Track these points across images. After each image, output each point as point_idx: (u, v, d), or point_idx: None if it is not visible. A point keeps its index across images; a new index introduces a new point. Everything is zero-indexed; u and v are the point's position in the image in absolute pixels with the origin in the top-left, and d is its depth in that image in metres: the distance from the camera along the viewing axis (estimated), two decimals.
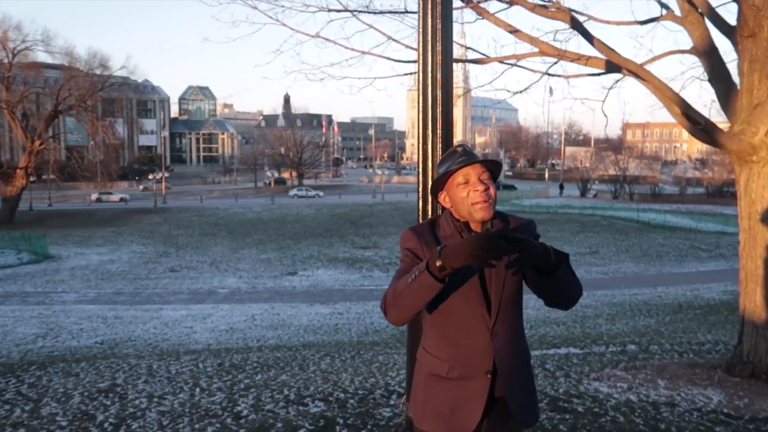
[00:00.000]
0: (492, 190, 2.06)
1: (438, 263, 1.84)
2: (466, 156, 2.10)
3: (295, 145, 73.61)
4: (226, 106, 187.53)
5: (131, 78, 56.94)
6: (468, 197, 2.06)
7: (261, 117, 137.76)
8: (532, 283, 2.04)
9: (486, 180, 2.07)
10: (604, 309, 14.71)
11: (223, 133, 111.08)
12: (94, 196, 54.94)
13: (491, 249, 1.77)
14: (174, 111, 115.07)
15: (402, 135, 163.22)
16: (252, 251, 28.56)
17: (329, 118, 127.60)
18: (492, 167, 2.11)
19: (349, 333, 12.89)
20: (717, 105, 5.73)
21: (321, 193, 60.40)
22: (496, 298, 2.05)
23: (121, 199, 54.83)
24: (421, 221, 2.68)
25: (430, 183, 2.73)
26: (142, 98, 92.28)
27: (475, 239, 1.79)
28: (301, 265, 24.82)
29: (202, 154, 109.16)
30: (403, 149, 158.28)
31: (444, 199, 2.16)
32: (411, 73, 6.79)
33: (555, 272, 1.94)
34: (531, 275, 2.00)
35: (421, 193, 2.78)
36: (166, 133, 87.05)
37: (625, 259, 25.24)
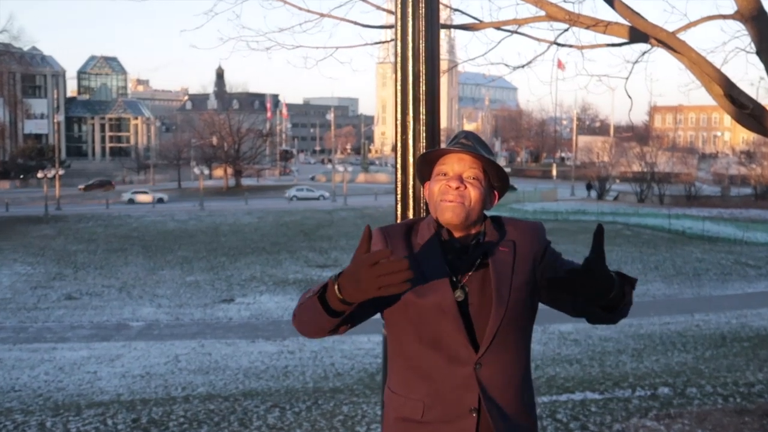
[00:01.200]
0: (473, 193, 2.10)
1: (338, 294, 1.89)
2: (462, 144, 2.15)
3: (230, 133, 73.19)
4: (140, 82, 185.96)
5: (14, 45, 56.07)
6: (439, 191, 2.12)
7: (186, 97, 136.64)
8: (568, 307, 2.10)
9: (470, 180, 2.12)
10: (629, 343, 14.92)
11: (136, 118, 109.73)
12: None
13: (372, 276, 1.80)
14: (72, 89, 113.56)
15: (369, 121, 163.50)
16: (175, 272, 28.28)
17: (276, 98, 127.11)
18: (489, 167, 2.15)
19: (303, 377, 12.84)
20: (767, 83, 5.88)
21: (326, 194, 60.60)
22: (490, 323, 2.07)
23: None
24: (400, 211, 2.72)
25: (412, 183, 2.75)
26: (28, 72, 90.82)
27: (353, 260, 1.84)
28: (240, 289, 24.66)
29: (108, 144, 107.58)
30: (371, 139, 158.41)
31: (426, 191, 2.23)
32: (383, 42, 6.82)
33: (617, 307, 2.02)
34: (572, 301, 2.06)
35: (399, 197, 2.79)
36: (60, 117, 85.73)
37: (654, 278, 25.67)
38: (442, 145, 2.30)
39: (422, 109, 2.73)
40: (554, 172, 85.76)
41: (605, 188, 61.33)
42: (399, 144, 2.77)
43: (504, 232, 2.18)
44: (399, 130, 2.77)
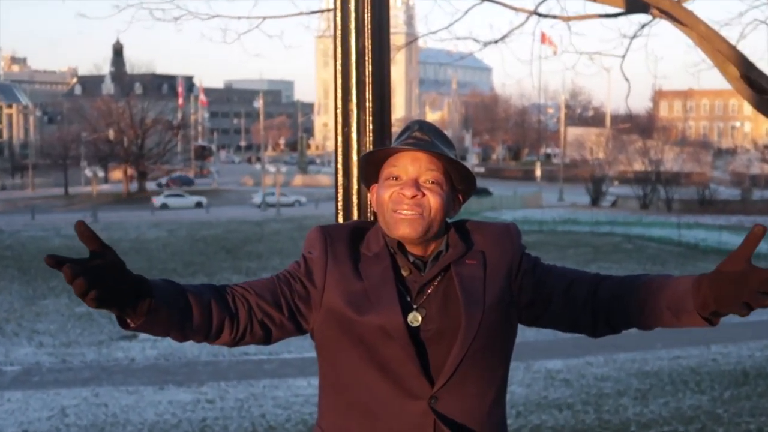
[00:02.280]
0: (433, 201, 2.11)
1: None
2: (416, 139, 2.14)
3: (132, 125, 72.46)
4: (15, 61, 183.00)
5: None
6: (390, 199, 2.12)
7: (75, 80, 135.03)
8: (566, 321, 2.21)
9: (428, 185, 2.12)
10: (631, 382, 15.10)
11: (9, 106, 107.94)
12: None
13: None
14: None
15: (308, 109, 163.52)
16: (60, 302, 27.82)
17: (189, 81, 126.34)
18: (450, 166, 2.15)
19: None
20: None
21: (303, 199, 62.22)
22: (454, 350, 2.07)
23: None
24: (342, 221, 2.70)
25: (356, 187, 2.74)
26: None
27: None
28: None
29: None
30: (309, 132, 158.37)
31: (373, 196, 2.25)
32: (321, 11, 6.83)
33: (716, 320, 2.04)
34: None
35: (341, 204, 2.79)
36: None
37: None
38: (395, 138, 2.30)
39: (368, 95, 2.71)
40: (538, 173, 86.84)
41: (601, 192, 62.09)
42: (340, 138, 2.75)
43: (471, 242, 2.20)
44: (340, 120, 2.76)
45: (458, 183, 2.19)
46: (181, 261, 35.26)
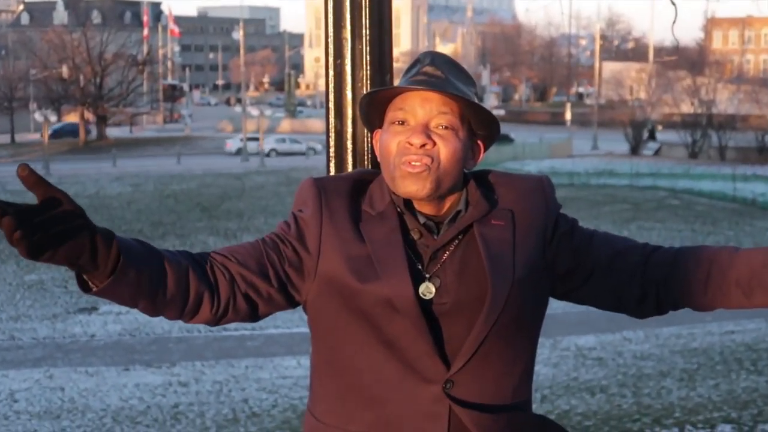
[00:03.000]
0: (445, 150, 2.07)
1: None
2: (427, 75, 2.10)
3: (89, 60, 72.14)
4: None
5: None
6: (397, 149, 2.09)
7: (21, 7, 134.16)
8: (612, 299, 2.20)
9: (440, 130, 2.08)
10: (676, 361, 15.15)
11: None
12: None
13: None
14: None
15: (297, 41, 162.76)
16: (7, 269, 27.95)
17: (156, 8, 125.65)
18: (468, 108, 2.11)
19: (202, 421, 12.83)
20: None
21: (317, 146, 60.85)
22: (477, 327, 2.05)
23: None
24: (334, 172, 2.68)
25: (350, 132, 2.72)
26: None
27: None
28: None
29: None
30: (299, 68, 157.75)
31: (377, 142, 2.21)
32: None
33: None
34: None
35: (333, 152, 2.77)
36: None
37: None
38: (397, 75, 2.26)
39: (365, 21, 2.68)
40: (568, 116, 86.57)
41: (642, 138, 61.94)
42: (331, 73, 2.73)
43: (495, 198, 2.16)
44: (331, 52, 2.74)
45: (478, 128, 2.16)
46: (148, 221, 35.29)
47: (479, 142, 2.18)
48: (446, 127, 2.08)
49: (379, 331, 2.06)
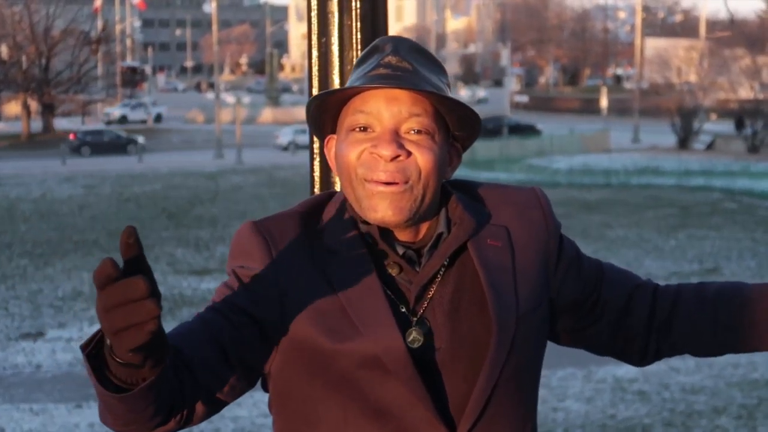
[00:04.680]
0: (423, 159, 1.99)
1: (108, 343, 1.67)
2: (391, 68, 2.02)
3: (33, 38, 72.40)
4: None
5: None
6: (359, 161, 2.01)
7: None
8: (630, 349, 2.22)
9: (413, 137, 2.01)
10: (734, 396, 15.17)
11: None
12: None
13: (101, 309, 1.57)
14: None
15: (280, 15, 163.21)
16: None
17: None
18: (441, 104, 2.04)
19: None
20: None
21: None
22: (482, 377, 2.01)
23: None
24: (318, 171, 2.70)
25: None
26: None
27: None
28: (54, 315, 24.49)
29: None
30: (283, 47, 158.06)
31: (331, 153, 2.15)
32: None
33: None
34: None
35: (317, 145, 2.78)
36: None
37: None
38: (356, 65, 2.17)
39: None
40: (604, 103, 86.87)
41: (692, 130, 62.10)
42: (315, 53, 2.77)
43: (483, 214, 2.12)
44: (315, 29, 2.78)
45: (455, 128, 2.10)
46: (104, 230, 35.26)
47: (456, 144, 2.13)
48: (420, 132, 2.01)
49: (364, 399, 1.99)
